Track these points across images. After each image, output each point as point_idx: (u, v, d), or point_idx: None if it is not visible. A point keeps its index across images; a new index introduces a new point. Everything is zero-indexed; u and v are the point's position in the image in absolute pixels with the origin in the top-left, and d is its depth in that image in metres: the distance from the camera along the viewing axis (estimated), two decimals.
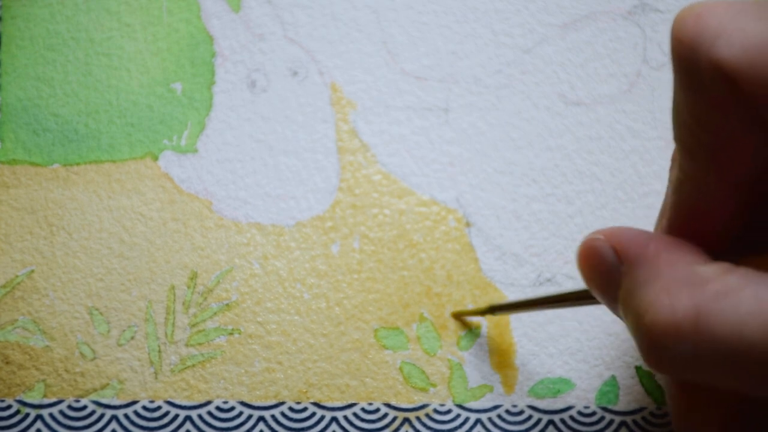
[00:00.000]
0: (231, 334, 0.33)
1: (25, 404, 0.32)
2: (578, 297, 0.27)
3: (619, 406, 0.33)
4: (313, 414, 0.33)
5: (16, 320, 0.33)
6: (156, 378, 0.33)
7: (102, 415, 0.32)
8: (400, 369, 0.33)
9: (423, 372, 0.33)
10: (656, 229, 0.26)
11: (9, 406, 0.32)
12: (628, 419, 0.33)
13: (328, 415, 0.33)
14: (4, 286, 0.33)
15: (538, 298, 0.29)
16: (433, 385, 0.33)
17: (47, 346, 0.33)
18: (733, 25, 0.19)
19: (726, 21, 0.20)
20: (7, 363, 0.33)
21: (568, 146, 0.35)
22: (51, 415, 0.32)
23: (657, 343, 0.21)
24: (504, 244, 0.34)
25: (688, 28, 0.20)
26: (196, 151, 0.35)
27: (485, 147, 0.35)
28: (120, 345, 0.33)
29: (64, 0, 0.36)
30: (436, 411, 0.33)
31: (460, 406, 0.33)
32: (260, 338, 0.33)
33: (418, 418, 0.33)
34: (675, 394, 0.26)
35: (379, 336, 0.33)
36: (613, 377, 0.33)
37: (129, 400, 0.32)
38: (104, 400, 0.32)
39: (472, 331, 0.33)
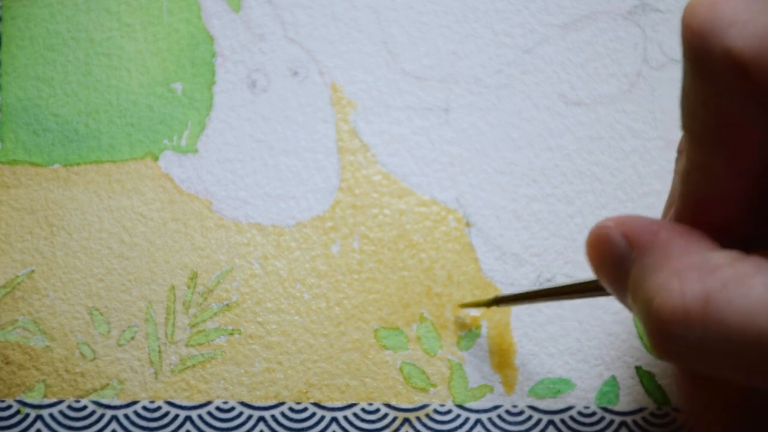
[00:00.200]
0: (231, 334, 0.33)
1: (25, 404, 0.32)
2: (585, 288, 0.27)
3: (620, 407, 0.33)
4: (313, 414, 0.33)
5: (17, 320, 0.33)
6: (156, 378, 0.33)
7: (102, 416, 0.32)
8: (400, 369, 0.33)
9: (423, 372, 0.33)
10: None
11: (9, 407, 0.32)
12: (629, 419, 0.33)
13: (328, 415, 0.33)
14: (4, 287, 0.33)
15: (543, 289, 0.29)
16: (434, 386, 0.33)
17: (47, 346, 0.33)
18: (746, 14, 0.20)
19: (739, 10, 0.20)
20: (7, 363, 0.33)
21: (569, 146, 0.35)
22: (51, 416, 0.32)
23: (665, 329, 0.21)
24: (504, 244, 0.34)
25: (700, 16, 0.20)
26: (196, 151, 0.35)
27: (485, 147, 0.35)
28: (120, 345, 0.33)
29: (64, 0, 0.36)
30: (436, 411, 0.33)
31: (461, 407, 0.33)
32: (260, 338, 0.33)
33: (418, 419, 0.33)
34: (688, 393, 0.25)
35: (379, 336, 0.33)
36: (614, 377, 0.33)
37: (129, 400, 0.32)
38: (104, 401, 0.32)
39: (472, 331, 0.33)
